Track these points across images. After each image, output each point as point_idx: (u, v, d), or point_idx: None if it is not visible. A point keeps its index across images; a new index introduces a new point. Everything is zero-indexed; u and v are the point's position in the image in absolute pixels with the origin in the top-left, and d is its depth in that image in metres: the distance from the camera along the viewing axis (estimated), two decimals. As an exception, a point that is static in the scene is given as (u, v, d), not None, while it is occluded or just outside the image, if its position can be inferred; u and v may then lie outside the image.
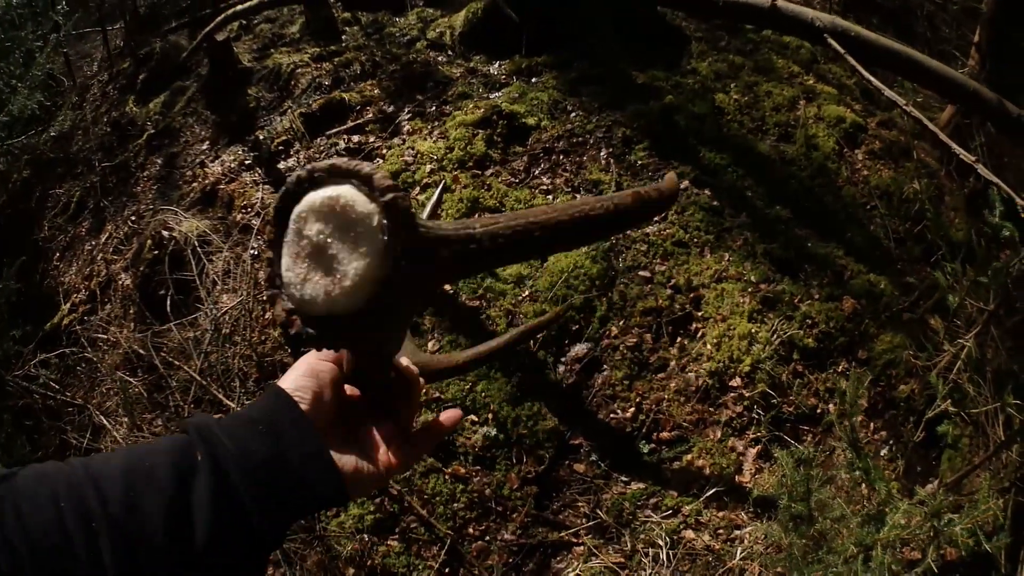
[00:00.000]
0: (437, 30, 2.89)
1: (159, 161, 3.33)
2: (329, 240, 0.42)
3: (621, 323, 2.54)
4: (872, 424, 2.79)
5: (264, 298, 0.45)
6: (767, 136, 3.01)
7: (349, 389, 0.61)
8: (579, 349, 2.52)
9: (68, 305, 3.86)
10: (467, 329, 2.48)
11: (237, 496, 0.47)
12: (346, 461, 0.54)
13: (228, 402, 2.74)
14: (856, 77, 3.64)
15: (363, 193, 0.42)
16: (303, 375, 0.56)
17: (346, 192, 0.42)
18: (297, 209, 0.44)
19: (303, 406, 0.54)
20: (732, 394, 2.71)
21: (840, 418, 2.57)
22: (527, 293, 2.49)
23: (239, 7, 2.94)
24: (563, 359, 2.58)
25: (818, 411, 2.75)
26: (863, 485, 2.51)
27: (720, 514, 2.67)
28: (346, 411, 0.59)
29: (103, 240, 3.72)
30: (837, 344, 2.80)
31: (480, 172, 2.57)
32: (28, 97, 4.19)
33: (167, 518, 0.45)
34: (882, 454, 2.78)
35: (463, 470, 2.46)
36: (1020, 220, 1.99)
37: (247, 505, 0.48)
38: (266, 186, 2.78)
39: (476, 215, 2.56)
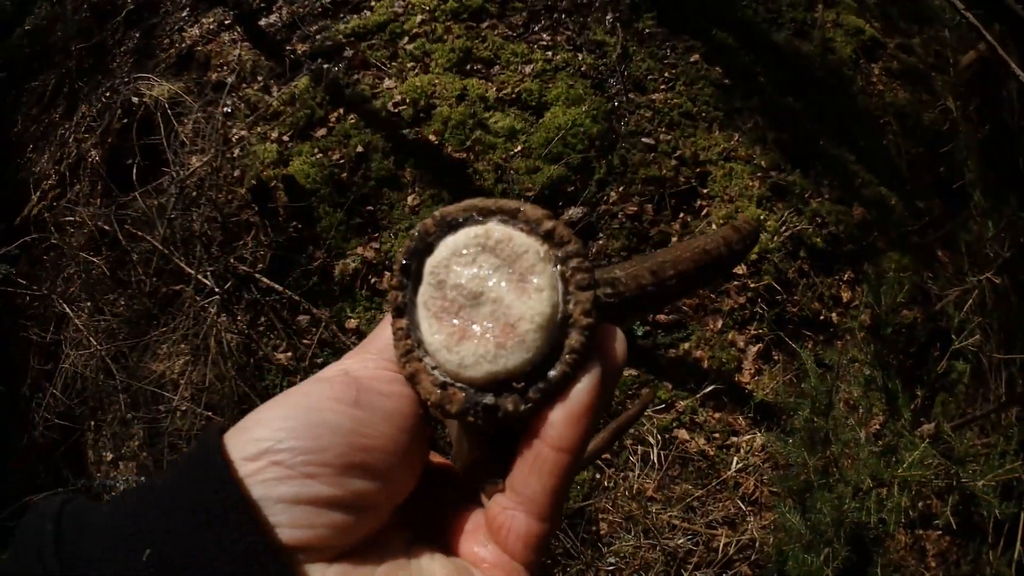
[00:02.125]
0: None
1: (136, 35, 3.14)
2: (489, 283, 0.33)
3: (621, 189, 2.33)
4: (873, 346, 2.58)
5: (405, 375, 0.30)
6: (783, 29, 2.84)
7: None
8: (574, 212, 2.30)
9: (38, 193, 3.64)
10: (452, 183, 2.27)
11: None
12: None
13: (189, 270, 2.52)
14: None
15: (514, 227, 0.33)
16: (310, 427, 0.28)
17: (495, 228, 0.33)
18: (432, 260, 0.34)
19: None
20: (736, 282, 2.51)
21: (862, 327, 2.35)
22: (519, 148, 2.28)
23: None
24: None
25: (822, 317, 2.56)
26: (875, 408, 2.31)
27: (717, 415, 2.45)
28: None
29: (75, 121, 3.51)
30: (845, 250, 2.62)
31: (475, 24, 2.38)
32: None
33: None
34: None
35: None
36: None
37: None
38: (245, 44, 2.59)
39: (468, 66, 2.36)
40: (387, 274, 2.35)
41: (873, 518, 1.54)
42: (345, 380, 0.30)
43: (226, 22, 2.68)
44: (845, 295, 2.66)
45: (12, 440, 2.78)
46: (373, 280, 2.35)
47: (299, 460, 0.26)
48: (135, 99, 2.95)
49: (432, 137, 2.27)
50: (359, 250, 2.32)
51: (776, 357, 2.50)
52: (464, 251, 0.33)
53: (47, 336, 3.05)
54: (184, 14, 2.90)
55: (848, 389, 2.30)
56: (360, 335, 2.45)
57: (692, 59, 2.52)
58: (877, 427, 2.40)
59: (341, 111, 2.34)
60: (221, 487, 0.25)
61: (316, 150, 2.34)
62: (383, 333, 0.33)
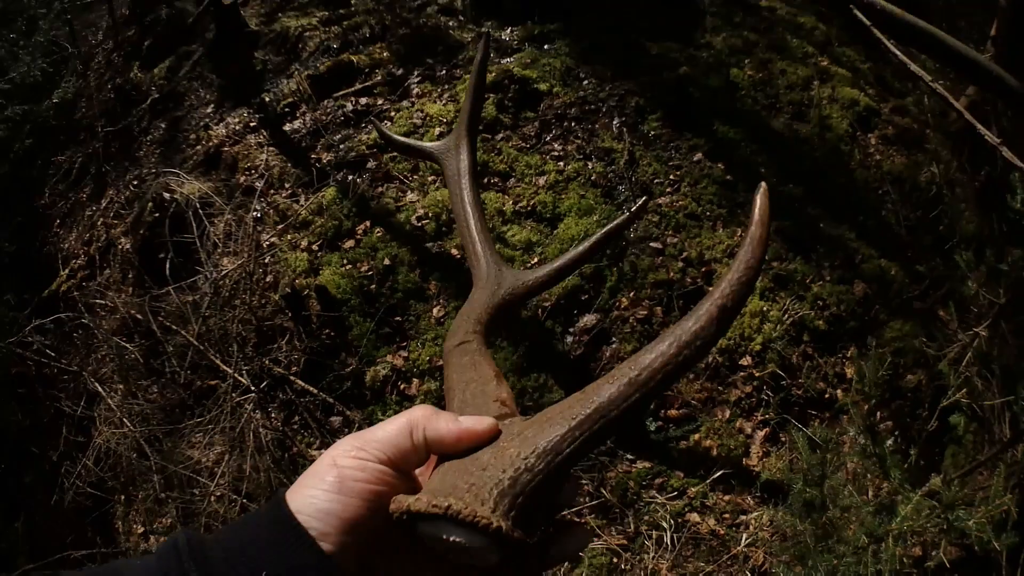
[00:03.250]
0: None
1: (163, 125, 3.28)
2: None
3: (631, 294, 2.49)
4: (879, 413, 2.74)
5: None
6: (781, 114, 2.97)
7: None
8: (588, 320, 2.46)
9: (67, 271, 3.80)
10: (473, 295, 2.42)
11: None
12: None
13: (225, 368, 2.68)
14: (871, 62, 3.60)
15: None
16: (335, 491, 0.43)
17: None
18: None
19: (325, 546, 0.42)
20: (742, 373, 2.66)
21: (854, 403, 2.52)
22: (535, 260, 2.44)
23: (248, -30, 2.89)
24: (571, 330, 2.53)
25: (826, 396, 2.71)
26: (871, 474, 2.46)
27: (726, 497, 2.62)
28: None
29: (104, 205, 3.66)
30: (847, 328, 2.76)
31: (490, 136, 2.52)
32: (31, 64, 4.14)
33: None
34: (887, 444, 2.74)
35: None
36: None
37: None
38: (271, 148, 2.73)
39: (485, 179, 2.51)
40: (415, 381, 2.52)
41: (870, 570, 1.68)
42: (334, 473, 0.44)
43: (251, 124, 2.82)
44: (848, 371, 2.81)
45: (41, 500, 2.94)
46: (402, 386, 2.51)
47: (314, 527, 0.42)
48: (166, 195, 3.10)
49: (454, 251, 2.42)
50: (389, 358, 2.49)
51: (783, 438, 2.66)
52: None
53: (78, 409, 3.19)
54: (209, 110, 3.03)
55: (850, 459, 2.46)
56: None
57: (696, 158, 2.66)
58: (875, 491, 2.57)
59: (368, 224, 2.49)
60: (288, 521, 0.42)
61: (345, 261, 2.50)
62: (378, 432, 0.46)
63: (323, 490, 0.42)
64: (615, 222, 0.75)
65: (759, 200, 0.49)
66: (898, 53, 2.44)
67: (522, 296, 0.69)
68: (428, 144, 0.86)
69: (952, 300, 2.72)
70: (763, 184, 0.50)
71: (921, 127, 3.49)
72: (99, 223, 3.67)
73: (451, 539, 0.39)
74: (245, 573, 0.40)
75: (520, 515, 0.39)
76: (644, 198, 0.55)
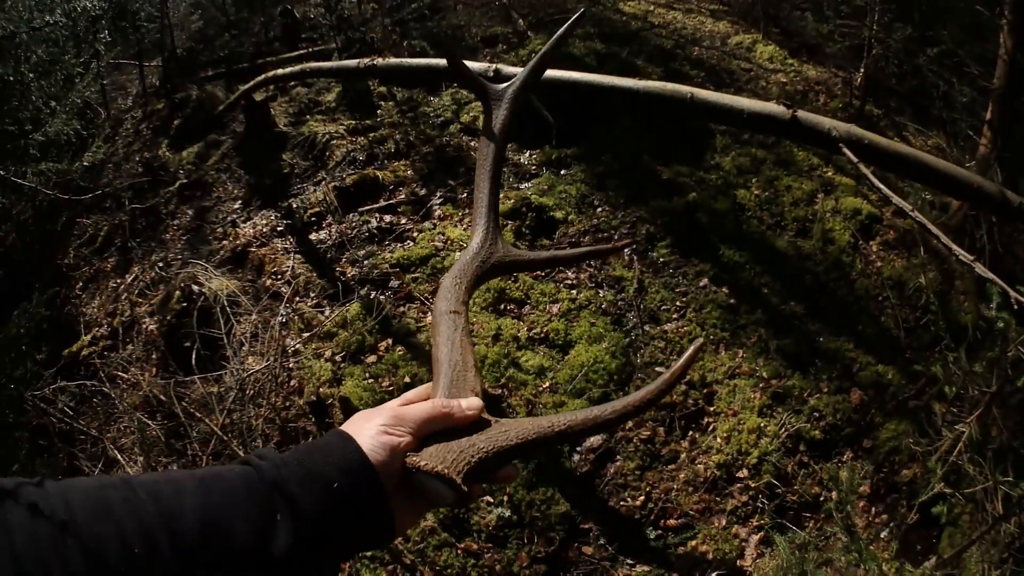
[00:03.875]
0: (471, 114, 2.97)
1: (190, 212, 3.42)
2: None
3: (636, 417, 2.62)
4: (874, 508, 2.88)
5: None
6: (785, 231, 3.10)
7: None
8: (594, 440, 2.60)
9: (89, 337, 3.94)
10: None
11: (308, 563, 0.50)
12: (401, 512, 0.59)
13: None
14: (873, 168, 3.72)
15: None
16: (384, 431, 0.58)
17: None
18: None
19: (377, 458, 0.56)
20: (738, 484, 2.79)
21: (838, 505, 2.66)
22: (547, 385, 2.58)
23: (280, 71, 3.03)
24: (578, 449, 2.67)
25: (821, 499, 2.84)
26: (860, 567, 2.59)
27: None
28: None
29: (129, 281, 3.80)
30: (843, 435, 2.89)
31: (508, 263, 2.66)
32: (66, 122, 4.28)
33: None
34: (882, 536, 2.88)
35: (476, 546, 2.54)
36: (1018, 311, 2.06)
37: (313, 568, 0.51)
38: (297, 256, 2.87)
39: (502, 306, 2.65)
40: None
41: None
42: (377, 431, 0.59)
43: (278, 228, 2.95)
44: (843, 475, 2.94)
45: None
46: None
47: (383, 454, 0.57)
48: (195, 287, 3.24)
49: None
50: None
51: (778, 541, 2.79)
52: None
53: (96, 471, 3.31)
54: (236, 206, 3.16)
55: (832, 555, 2.60)
56: (404, 538, 2.76)
57: (701, 283, 2.79)
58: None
59: (390, 341, 2.63)
60: (350, 443, 0.57)
61: (367, 375, 2.64)
62: (412, 412, 0.62)
63: (369, 436, 0.58)
64: (599, 248, 0.93)
65: (689, 352, 0.67)
66: (882, 187, 2.57)
67: (507, 268, 0.83)
68: (487, 84, 0.93)
69: (945, 396, 2.84)
70: (698, 340, 0.69)
71: (921, 228, 3.61)
72: (123, 297, 3.82)
73: (433, 486, 0.58)
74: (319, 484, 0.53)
75: (469, 477, 0.58)
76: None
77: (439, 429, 0.62)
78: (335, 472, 0.53)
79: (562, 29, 0.96)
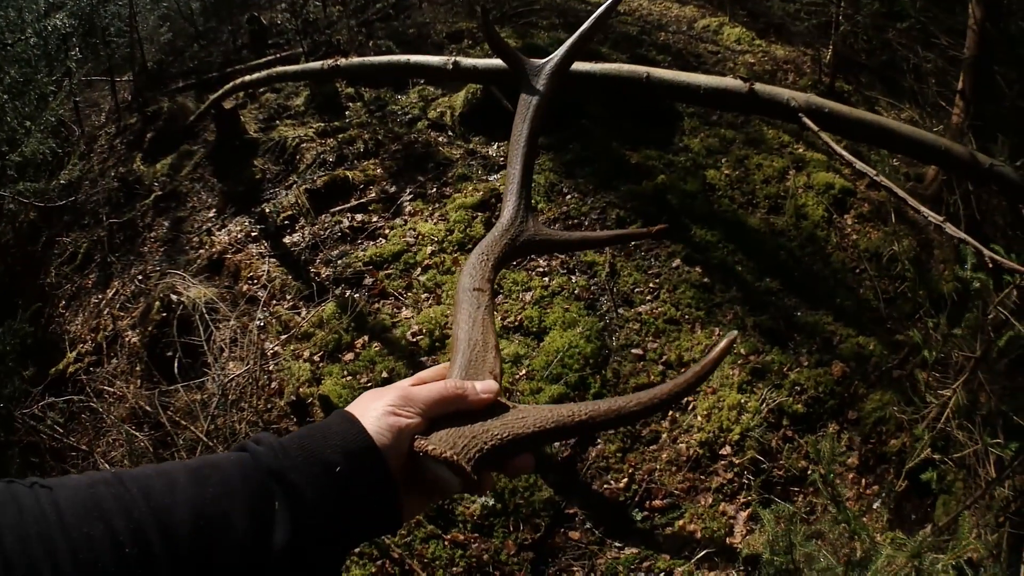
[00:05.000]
0: (438, 110, 2.99)
1: (166, 224, 3.43)
2: None
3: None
4: (864, 480, 2.90)
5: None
6: (757, 209, 3.12)
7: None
8: (573, 425, 2.61)
9: (74, 354, 3.95)
10: (466, 407, 2.58)
11: (310, 555, 0.48)
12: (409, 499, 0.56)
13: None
14: (845, 141, 3.74)
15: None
16: (392, 412, 0.55)
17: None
18: None
19: (383, 440, 0.53)
20: (722, 462, 2.81)
21: (823, 476, 2.67)
22: (523, 372, 2.59)
23: (247, 78, 3.04)
24: (558, 434, 2.68)
25: (808, 471, 2.85)
26: (852, 539, 2.61)
27: (711, 574, 2.77)
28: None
29: (110, 295, 3.82)
30: (827, 407, 2.90)
31: (479, 254, 2.67)
32: (41, 142, 4.28)
33: None
34: (875, 507, 2.89)
35: (462, 536, 2.55)
36: (992, 272, 2.06)
37: (315, 560, 0.49)
38: (272, 259, 2.88)
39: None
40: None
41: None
42: (384, 411, 0.56)
43: (252, 233, 2.97)
44: (825, 446, 2.94)
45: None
46: (401, 487, 2.67)
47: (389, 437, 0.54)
48: (174, 296, 3.25)
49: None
50: None
51: (763, 515, 2.80)
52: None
53: None
54: (211, 214, 3.17)
55: (820, 527, 2.61)
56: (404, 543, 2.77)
57: (674, 264, 2.81)
58: (850, 553, 2.71)
59: (366, 338, 2.64)
60: (354, 425, 0.54)
61: (346, 372, 2.65)
62: (422, 392, 0.58)
63: (374, 417, 0.55)
64: (631, 231, 0.90)
65: (723, 344, 0.64)
66: (844, 154, 2.57)
67: (537, 248, 0.81)
68: (525, 59, 0.91)
69: (928, 363, 2.85)
70: (734, 332, 0.65)
71: (896, 198, 3.62)
72: (105, 312, 3.83)
73: (441, 473, 0.55)
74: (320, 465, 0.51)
75: (480, 464, 0.56)
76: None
77: (451, 412, 0.59)
78: (338, 455, 0.51)
79: (601, 9, 0.94)
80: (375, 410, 0.55)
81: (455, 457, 0.54)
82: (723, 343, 0.63)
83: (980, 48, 3.48)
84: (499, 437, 0.58)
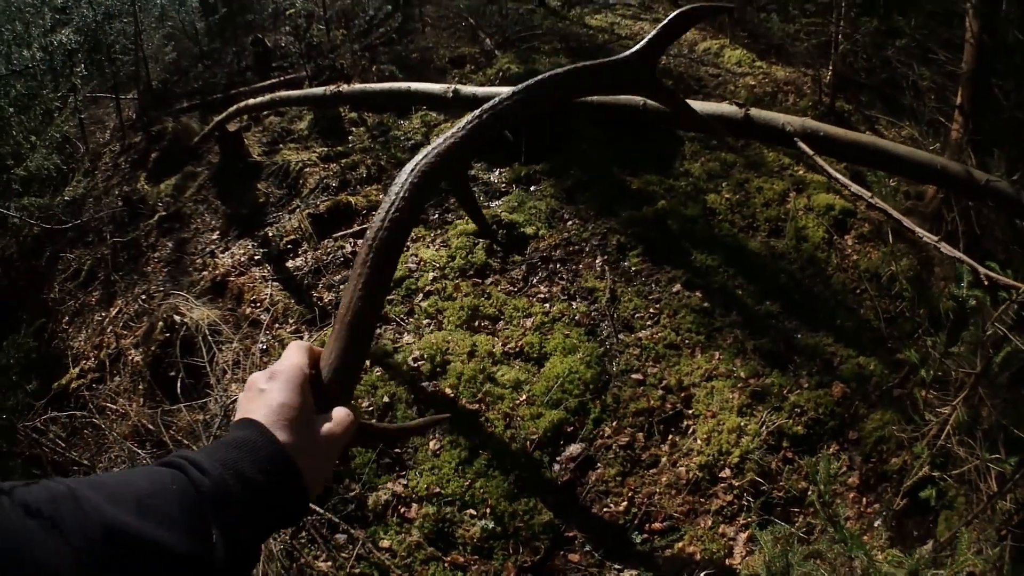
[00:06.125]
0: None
1: (170, 244, 3.46)
2: None
3: (614, 424, 2.65)
4: (864, 499, 2.90)
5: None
6: (758, 232, 3.13)
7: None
8: (573, 449, 2.63)
9: (77, 370, 3.97)
10: (467, 431, 2.59)
11: (242, 564, 0.54)
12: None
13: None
14: (844, 163, 3.76)
15: None
16: (293, 391, 0.63)
17: None
18: None
19: (286, 439, 0.60)
20: (722, 484, 2.81)
21: (820, 497, 2.68)
22: (524, 397, 2.60)
23: (251, 101, 3.07)
24: (558, 458, 2.69)
25: (809, 492, 2.85)
26: (851, 558, 2.61)
27: None
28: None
29: (113, 313, 3.84)
30: (827, 428, 2.90)
31: (480, 280, 2.69)
32: (46, 157, 4.31)
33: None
34: (876, 525, 2.89)
35: (462, 558, 2.56)
36: (989, 288, 2.06)
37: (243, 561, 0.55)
38: (275, 283, 2.90)
39: (476, 322, 2.68)
40: (415, 505, 2.68)
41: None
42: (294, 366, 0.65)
43: (256, 257, 2.99)
44: (822, 467, 2.94)
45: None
46: (403, 510, 2.68)
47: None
48: (176, 317, 3.27)
49: (448, 390, 2.59)
50: (389, 485, 2.65)
51: (759, 536, 2.80)
52: None
53: None
54: (215, 236, 3.20)
55: (818, 547, 2.61)
56: (392, 553, 2.77)
57: (674, 289, 2.83)
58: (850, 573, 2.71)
59: (367, 363, 2.66)
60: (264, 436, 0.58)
61: (346, 398, 2.67)
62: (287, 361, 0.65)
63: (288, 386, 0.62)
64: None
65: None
66: (839, 177, 2.59)
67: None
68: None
69: (930, 381, 2.84)
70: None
71: (887, 215, 3.64)
72: (108, 330, 3.85)
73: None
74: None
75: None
76: None
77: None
78: (259, 475, 0.56)
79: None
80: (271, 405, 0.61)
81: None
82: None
83: (978, 61, 3.49)
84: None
